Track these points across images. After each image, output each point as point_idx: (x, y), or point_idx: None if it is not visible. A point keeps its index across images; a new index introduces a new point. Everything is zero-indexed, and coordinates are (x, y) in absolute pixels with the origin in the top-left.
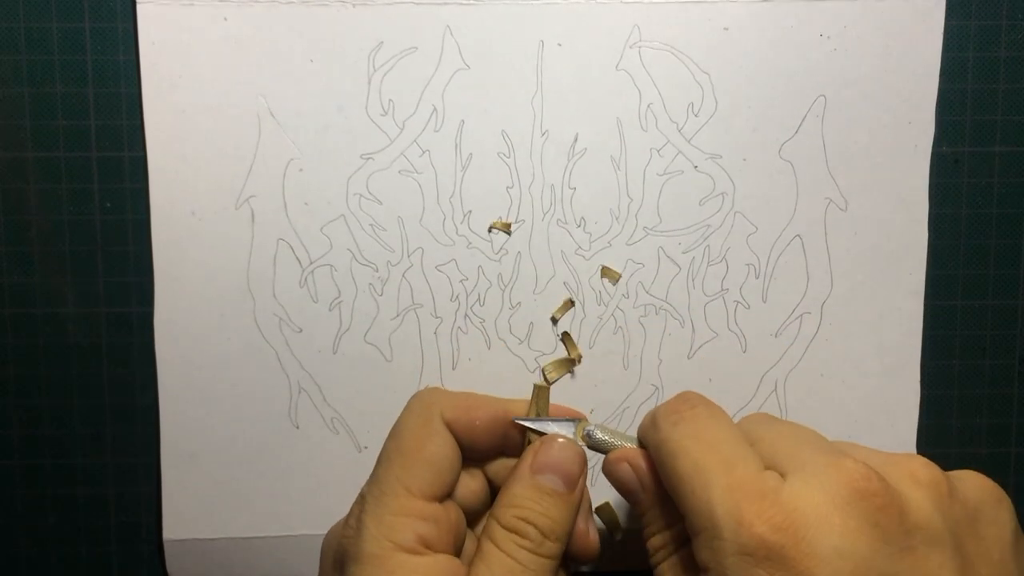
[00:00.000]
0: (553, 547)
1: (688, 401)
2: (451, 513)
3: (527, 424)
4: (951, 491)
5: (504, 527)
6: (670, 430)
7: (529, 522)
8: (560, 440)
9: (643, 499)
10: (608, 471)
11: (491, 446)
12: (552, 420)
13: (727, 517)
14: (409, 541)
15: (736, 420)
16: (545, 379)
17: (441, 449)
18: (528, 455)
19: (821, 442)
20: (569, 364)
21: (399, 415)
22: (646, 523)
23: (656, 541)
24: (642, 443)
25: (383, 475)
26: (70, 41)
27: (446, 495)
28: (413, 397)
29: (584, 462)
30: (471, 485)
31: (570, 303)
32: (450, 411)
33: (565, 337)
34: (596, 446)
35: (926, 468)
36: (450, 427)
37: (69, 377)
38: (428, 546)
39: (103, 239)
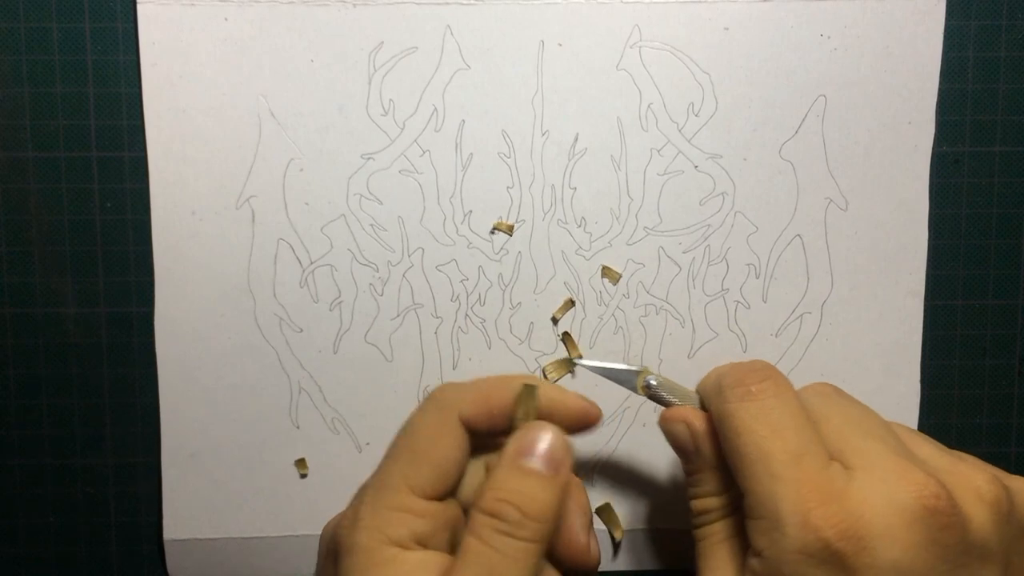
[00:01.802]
0: (534, 528)
1: (758, 373)
2: (449, 510)
3: (589, 365)
4: (1010, 509)
5: (482, 511)
6: (736, 404)
7: (508, 502)
8: (544, 426)
9: (696, 462)
10: (666, 428)
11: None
12: (614, 366)
13: (793, 514)
14: (403, 537)
15: (799, 388)
16: (545, 378)
17: (451, 451)
18: (511, 441)
19: (888, 436)
20: (569, 364)
21: (414, 411)
22: (693, 484)
23: (702, 504)
24: (702, 402)
25: (388, 468)
26: (70, 41)
27: (448, 494)
28: (430, 395)
29: (569, 449)
30: (472, 482)
31: (570, 303)
32: (469, 407)
33: (566, 337)
34: (655, 398)
35: (991, 485)
36: (469, 424)
37: (69, 377)
38: (422, 543)
39: (103, 239)
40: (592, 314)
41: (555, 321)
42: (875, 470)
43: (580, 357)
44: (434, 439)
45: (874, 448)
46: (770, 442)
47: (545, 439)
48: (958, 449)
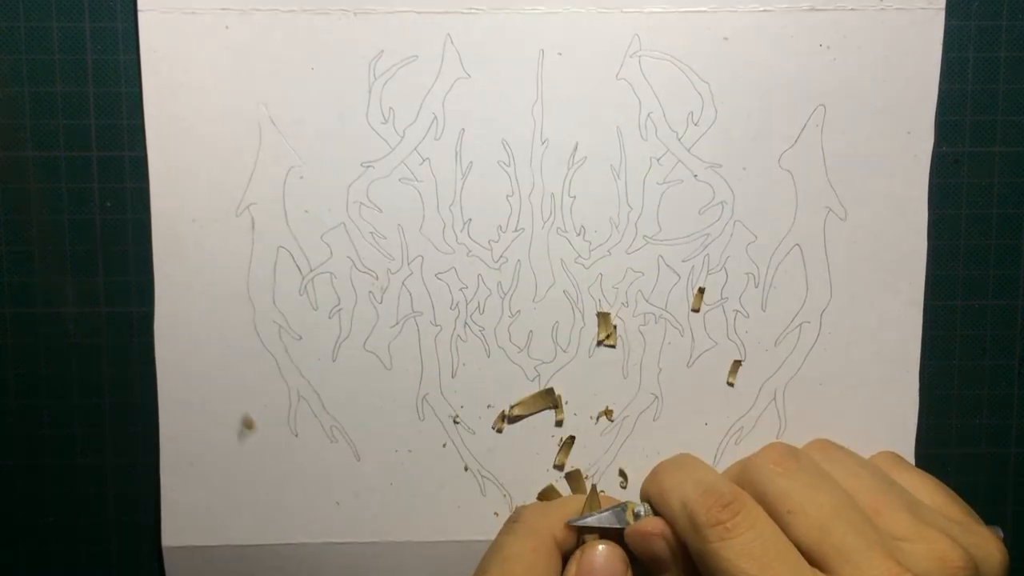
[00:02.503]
0: None
1: (728, 508)
2: None
3: (580, 524)
4: None
5: None
6: (718, 544)
7: None
8: (600, 545)
9: (673, 572)
10: (641, 543)
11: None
12: (601, 514)
13: None
14: None
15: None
16: (514, 418)
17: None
18: (572, 564)
19: (868, 523)
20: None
21: (502, 535)
22: None
23: None
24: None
25: None
26: (70, 41)
27: None
28: (518, 518)
29: (625, 563)
30: None
31: (571, 440)
32: (562, 529)
33: (573, 477)
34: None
35: (966, 562)
36: (563, 546)
37: (69, 377)
38: None
39: (103, 239)
40: (591, 323)
41: (560, 468)
42: (860, 565)
43: (597, 499)
44: (532, 567)
45: (854, 545)
46: None
47: (600, 559)
48: (958, 449)
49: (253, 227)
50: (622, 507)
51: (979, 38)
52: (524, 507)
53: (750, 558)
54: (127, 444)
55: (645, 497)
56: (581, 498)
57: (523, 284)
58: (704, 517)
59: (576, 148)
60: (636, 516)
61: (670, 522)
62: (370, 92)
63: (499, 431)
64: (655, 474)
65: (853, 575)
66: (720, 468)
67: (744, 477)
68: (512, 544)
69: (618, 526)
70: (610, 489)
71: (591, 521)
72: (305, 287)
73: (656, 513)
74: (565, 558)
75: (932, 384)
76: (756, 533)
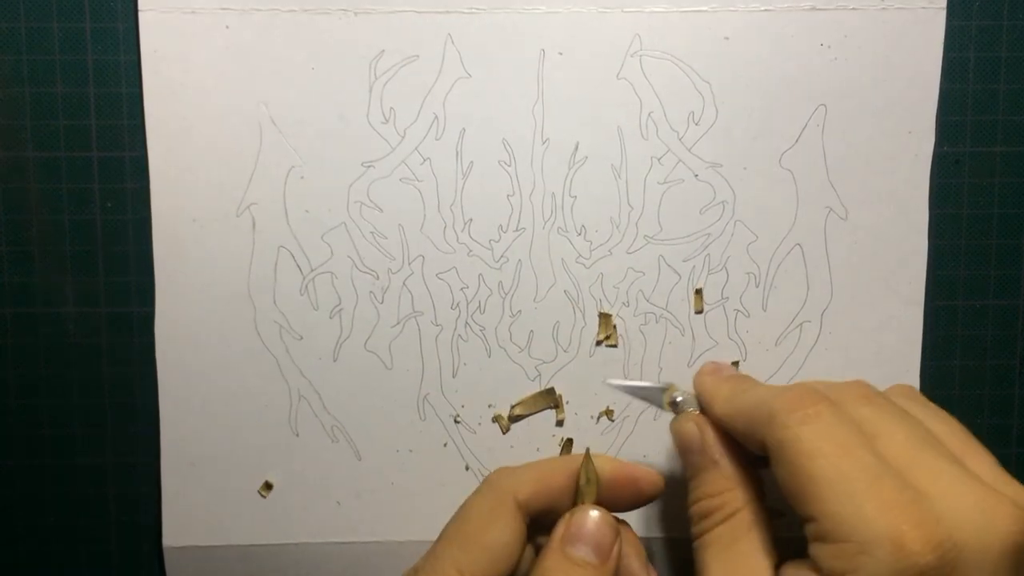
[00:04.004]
0: None
1: (809, 397)
2: None
3: (619, 385)
4: None
5: None
6: (799, 428)
7: None
8: (591, 511)
9: (697, 461)
10: (673, 428)
11: (569, 501)
12: (642, 384)
13: (885, 538)
14: None
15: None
16: (514, 419)
17: (504, 535)
18: (559, 527)
19: (951, 456)
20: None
21: (469, 496)
22: (694, 487)
23: (705, 506)
24: (703, 409)
25: (439, 553)
26: (71, 41)
27: None
28: (485, 480)
29: (616, 531)
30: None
31: (569, 442)
32: (526, 490)
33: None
34: (680, 412)
35: None
36: (526, 506)
37: (69, 377)
38: None
39: (103, 239)
40: (592, 322)
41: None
42: (962, 496)
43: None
44: (487, 523)
45: (948, 470)
46: (844, 462)
47: (591, 524)
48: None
49: (254, 227)
50: (662, 388)
51: (980, 38)
52: (494, 470)
53: (832, 441)
54: (127, 444)
55: (701, 395)
56: (553, 460)
57: (524, 284)
58: (785, 405)
59: (577, 148)
60: (674, 402)
61: (746, 425)
62: (371, 92)
63: (503, 431)
64: (720, 380)
65: (946, 494)
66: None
67: None
68: (472, 501)
69: (654, 404)
70: None
71: (631, 386)
72: (306, 287)
73: (700, 408)
74: (544, 525)
75: (933, 384)
76: (839, 420)
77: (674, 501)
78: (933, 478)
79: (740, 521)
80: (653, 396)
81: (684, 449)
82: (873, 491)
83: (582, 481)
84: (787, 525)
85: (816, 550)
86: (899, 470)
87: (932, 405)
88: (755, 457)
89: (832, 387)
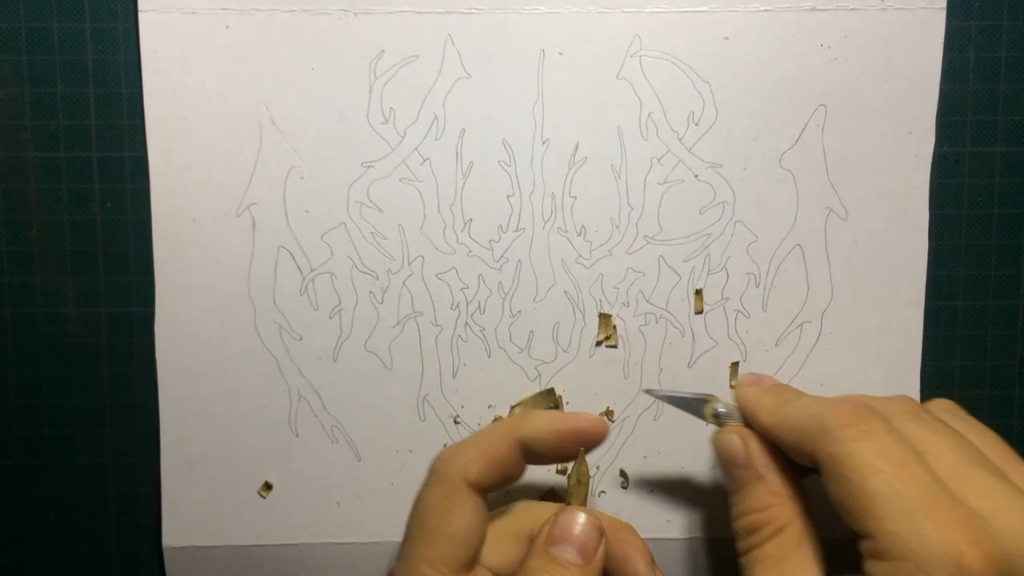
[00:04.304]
0: None
1: (863, 412)
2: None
3: (659, 395)
4: None
5: None
6: (853, 444)
7: None
8: (576, 512)
9: (742, 476)
10: (716, 441)
11: (519, 468)
12: (683, 394)
13: (944, 556)
14: None
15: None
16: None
17: (464, 521)
18: (544, 527)
19: (1000, 474)
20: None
21: (421, 488)
22: (736, 502)
23: (750, 521)
24: (746, 422)
25: (407, 553)
26: (71, 41)
27: (473, 561)
28: (431, 468)
29: (601, 533)
30: (509, 552)
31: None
32: (474, 471)
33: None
34: (721, 423)
35: None
36: (479, 484)
37: (69, 377)
38: None
39: (103, 239)
40: (591, 323)
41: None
42: (1013, 512)
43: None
44: (446, 514)
45: (997, 487)
46: (900, 480)
47: (577, 526)
48: None
49: (254, 227)
50: (703, 400)
51: (980, 38)
52: (438, 454)
53: (887, 458)
54: (127, 444)
55: (744, 406)
56: (492, 430)
57: (524, 284)
58: (838, 420)
59: (577, 148)
60: (716, 414)
61: (781, 431)
62: (371, 92)
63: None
64: (763, 391)
65: (997, 511)
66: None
67: None
68: (425, 495)
69: (694, 415)
70: (610, 489)
71: (671, 396)
72: (306, 287)
73: (743, 421)
74: (502, 480)
75: (933, 384)
76: (893, 438)
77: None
78: (983, 495)
79: (789, 536)
80: (693, 407)
81: (727, 462)
82: (930, 510)
83: (572, 482)
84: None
85: (872, 567)
86: (950, 487)
87: (973, 420)
88: (797, 466)
89: (878, 401)
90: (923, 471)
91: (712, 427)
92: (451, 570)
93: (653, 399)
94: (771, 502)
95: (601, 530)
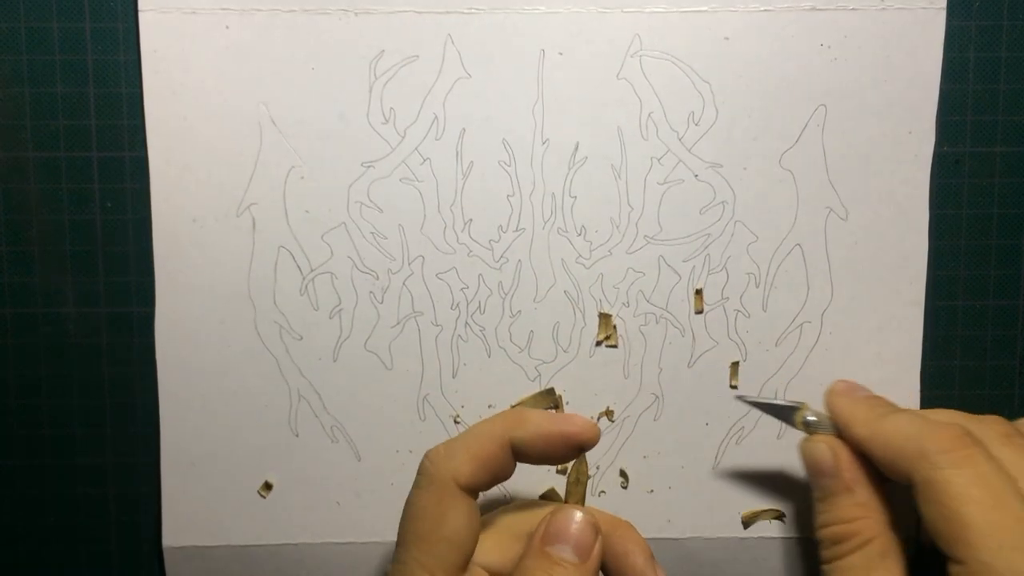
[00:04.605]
0: None
1: (962, 439)
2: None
3: (751, 401)
4: None
5: None
6: (953, 471)
7: None
8: (572, 510)
9: (831, 485)
10: (805, 449)
11: (509, 466)
12: (775, 401)
13: None
14: None
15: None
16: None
17: (458, 523)
18: (540, 526)
19: None
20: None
21: (411, 490)
22: (826, 509)
23: (835, 532)
24: (837, 431)
25: (403, 558)
26: (71, 41)
27: (467, 561)
28: (420, 469)
29: (597, 531)
30: (508, 551)
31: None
32: (464, 473)
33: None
34: (812, 432)
35: None
36: (470, 486)
37: (69, 377)
38: None
39: (103, 239)
40: (591, 323)
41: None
42: None
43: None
44: (439, 518)
45: None
46: (997, 511)
47: (573, 524)
48: None
49: (254, 227)
50: (794, 407)
51: (980, 38)
52: (427, 454)
53: (985, 488)
54: (127, 444)
55: (837, 416)
56: (480, 430)
57: (524, 284)
58: (937, 444)
59: (577, 148)
60: (806, 423)
61: (874, 446)
62: (371, 92)
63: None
64: (855, 402)
65: None
66: (722, 467)
67: None
68: (417, 499)
69: (784, 422)
70: (610, 489)
71: (763, 403)
72: (306, 287)
73: (834, 430)
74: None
75: (933, 384)
76: (992, 467)
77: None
78: None
79: (874, 549)
80: (784, 414)
81: (815, 471)
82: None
83: (571, 480)
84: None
85: None
86: None
87: None
88: (881, 475)
89: (973, 422)
90: (1018, 502)
91: (798, 433)
92: (446, 573)
93: (654, 398)
94: (858, 514)
95: (597, 528)
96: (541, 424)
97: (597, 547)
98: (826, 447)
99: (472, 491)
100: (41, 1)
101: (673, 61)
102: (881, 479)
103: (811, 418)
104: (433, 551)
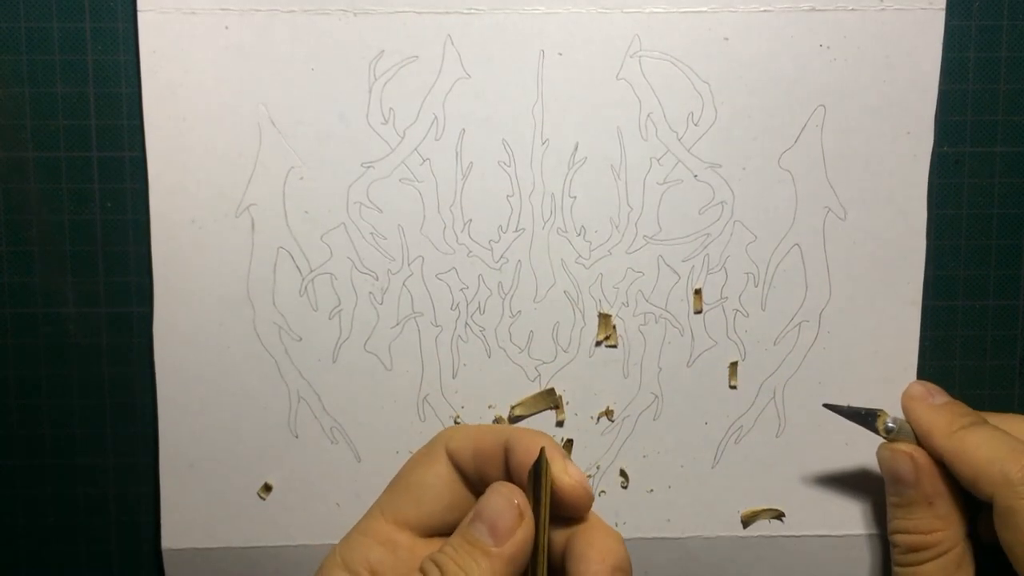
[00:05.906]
0: None
1: None
2: (432, 548)
3: (835, 408)
4: None
5: (432, 561)
6: None
7: (453, 561)
8: (503, 488)
9: (909, 495)
10: (887, 457)
11: (500, 473)
12: (856, 408)
13: None
14: (355, 563)
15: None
16: (515, 419)
17: (427, 475)
18: (478, 501)
19: None
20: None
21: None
22: (901, 516)
23: (913, 540)
24: (918, 439)
25: (378, 498)
26: (70, 41)
27: (431, 528)
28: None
29: (520, 517)
30: None
31: (570, 443)
32: (457, 442)
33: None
34: (892, 439)
35: None
36: (454, 456)
37: (69, 377)
38: (377, 573)
39: (103, 239)
40: (591, 323)
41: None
42: None
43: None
44: (415, 465)
45: None
46: None
47: (494, 504)
48: None
49: (253, 228)
50: (874, 413)
51: (980, 38)
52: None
53: None
54: (127, 444)
55: (916, 424)
56: (490, 425)
57: (524, 284)
58: (1021, 472)
59: (576, 148)
60: (887, 429)
61: (955, 461)
62: (370, 92)
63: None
64: (935, 410)
65: None
66: (721, 467)
67: None
68: (414, 455)
69: (866, 428)
70: (611, 489)
71: (845, 409)
72: (305, 288)
73: (913, 436)
74: (474, 471)
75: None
76: None
77: (685, 501)
78: None
79: (951, 559)
80: (865, 419)
81: (895, 479)
82: None
83: (543, 483)
84: None
85: None
86: None
87: None
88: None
89: None
90: None
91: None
92: (396, 522)
93: (654, 398)
94: (937, 527)
95: (520, 513)
96: (553, 465)
97: (520, 534)
98: (907, 457)
99: (456, 460)
100: (41, 1)
101: (672, 61)
102: (959, 488)
103: (891, 424)
104: (396, 494)
